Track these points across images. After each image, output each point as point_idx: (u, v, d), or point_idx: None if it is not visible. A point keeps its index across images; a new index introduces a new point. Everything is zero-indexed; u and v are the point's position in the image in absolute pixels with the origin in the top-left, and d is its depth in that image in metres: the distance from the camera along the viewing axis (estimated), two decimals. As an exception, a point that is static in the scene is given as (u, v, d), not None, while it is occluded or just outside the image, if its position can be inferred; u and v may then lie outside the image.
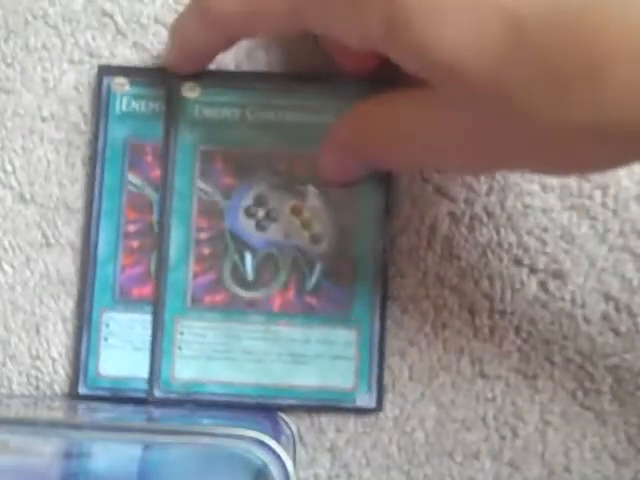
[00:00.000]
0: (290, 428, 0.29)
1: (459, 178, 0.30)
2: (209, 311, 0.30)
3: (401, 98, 0.25)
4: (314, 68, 0.31)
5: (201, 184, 0.30)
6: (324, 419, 0.30)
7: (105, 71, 0.31)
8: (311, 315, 0.29)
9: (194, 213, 0.30)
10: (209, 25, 0.26)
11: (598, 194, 0.30)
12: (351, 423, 0.30)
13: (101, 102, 0.30)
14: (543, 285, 0.30)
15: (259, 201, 0.30)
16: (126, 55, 0.31)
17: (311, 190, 0.30)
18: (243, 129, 0.30)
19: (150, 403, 0.29)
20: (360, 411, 0.30)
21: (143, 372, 0.30)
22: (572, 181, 0.30)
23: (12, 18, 0.32)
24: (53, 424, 0.26)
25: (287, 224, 0.30)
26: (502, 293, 0.30)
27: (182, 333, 0.30)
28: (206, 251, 0.30)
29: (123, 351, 0.30)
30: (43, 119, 0.31)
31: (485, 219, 0.30)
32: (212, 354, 0.29)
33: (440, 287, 0.30)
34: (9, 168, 0.31)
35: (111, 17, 0.31)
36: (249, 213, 0.30)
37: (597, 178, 0.30)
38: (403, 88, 0.24)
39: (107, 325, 0.30)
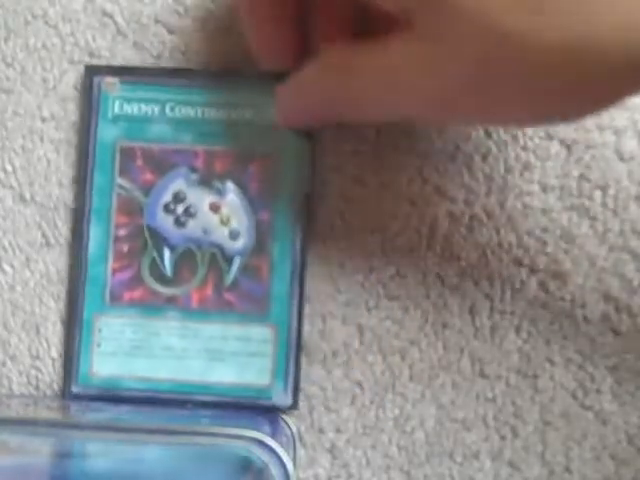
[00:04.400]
0: (290, 428, 0.29)
1: (459, 178, 0.30)
2: (128, 308, 0.30)
3: (381, 43, 0.24)
4: (234, 64, 0.31)
5: (121, 181, 0.30)
6: (325, 419, 0.30)
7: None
8: (229, 312, 0.30)
9: (113, 210, 0.30)
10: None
11: (598, 194, 0.30)
12: (351, 423, 0.30)
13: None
14: (543, 285, 0.30)
15: (178, 197, 0.30)
16: (126, 55, 0.31)
17: (229, 186, 0.30)
18: (163, 125, 0.30)
19: (67, 399, 0.30)
20: (275, 409, 0.30)
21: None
22: (572, 181, 0.30)
23: (12, 18, 0.32)
24: (53, 424, 0.26)
25: (205, 220, 0.30)
26: (502, 293, 0.30)
27: (101, 330, 0.30)
28: (125, 248, 0.30)
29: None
30: (43, 119, 0.31)
31: (485, 219, 0.30)
32: (131, 350, 0.30)
33: (440, 287, 0.30)
34: (9, 168, 0.31)
35: (111, 17, 0.31)
36: (168, 209, 0.30)
37: (597, 178, 0.30)
38: (374, 37, 0.24)
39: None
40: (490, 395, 0.30)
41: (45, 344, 0.31)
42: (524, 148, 0.30)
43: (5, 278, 0.31)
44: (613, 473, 0.30)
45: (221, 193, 0.30)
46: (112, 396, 0.30)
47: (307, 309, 0.30)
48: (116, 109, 0.30)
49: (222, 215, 0.30)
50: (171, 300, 0.30)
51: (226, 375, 0.29)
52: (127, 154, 0.30)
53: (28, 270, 0.31)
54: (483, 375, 0.30)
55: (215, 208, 0.30)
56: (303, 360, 0.30)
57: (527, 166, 0.30)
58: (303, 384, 0.31)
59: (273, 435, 0.26)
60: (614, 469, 0.30)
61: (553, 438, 0.30)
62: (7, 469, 0.25)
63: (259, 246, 0.30)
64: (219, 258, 0.30)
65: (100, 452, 0.25)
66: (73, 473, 0.25)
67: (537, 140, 0.30)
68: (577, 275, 0.30)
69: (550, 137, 0.30)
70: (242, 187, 0.30)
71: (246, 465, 0.24)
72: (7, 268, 0.31)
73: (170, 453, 0.25)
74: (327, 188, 0.31)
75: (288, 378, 0.29)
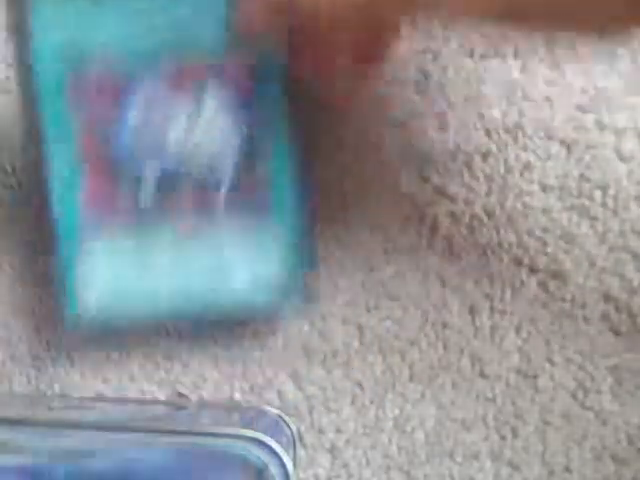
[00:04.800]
0: (290, 428, 0.29)
1: (459, 178, 0.30)
2: (113, 238, 0.28)
3: None
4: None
5: (78, 112, 0.27)
6: (325, 419, 0.30)
7: None
8: (219, 234, 0.28)
9: (79, 139, 0.27)
10: None
11: (598, 194, 0.30)
12: (351, 423, 0.30)
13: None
14: (543, 285, 0.30)
15: (149, 121, 0.28)
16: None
17: (209, 102, 0.27)
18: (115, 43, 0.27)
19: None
20: None
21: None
22: (572, 181, 0.30)
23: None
24: (53, 424, 0.26)
25: (186, 142, 0.27)
26: (502, 293, 0.30)
27: (90, 257, 0.28)
28: (99, 178, 0.27)
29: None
30: (43, 119, 0.31)
31: (485, 219, 0.30)
32: (126, 274, 0.28)
33: (440, 287, 0.30)
34: (9, 168, 0.31)
35: (111, 17, 0.31)
36: (140, 135, 0.28)
37: (597, 178, 0.30)
38: None
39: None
40: (490, 395, 0.30)
41: (45, 344, 0.31)
42: (524, 148, 0.30)
43: (5, 278, 0.31)
44: (613, 473, 0.30)
45: (199, 106, 0.27)
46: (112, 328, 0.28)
47: (307, 309, 0.30)
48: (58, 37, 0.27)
49: (203, 134, 0.27)
50: (158, 223, 0.28)
51: (235, 282, 0.28)
52: (78, 84, 0.27)
53: (28, 270, 0.31)
54: (483, 375, 0.30)
55: (192, 126, 0.27)
56: (304, 361, 0.31)
57: (527, 166, 0.30)
58: (303, 384, 0.31)
59: (273, 435, 0.26)
60: (614, 469, 0.30)
61: (553, 438, 0.30)
62: (7, 469, 0.25)
63: (247, 164, 0.27)
64: (205, 179, 0.27)
65: (100, 452, 0.25)
66: (73, 473, 0.25)
67: (537, 140, 0.30)
68: (577, 275, 0.30)
69: (550, 137, 0.30)
70: (222, 100, 0.27)
71: (246, 465, 0.24)
72: (7, 268, 0.31)
73: (171, 453, 0.25)
74: (328, 188, 0.31)
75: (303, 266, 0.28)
